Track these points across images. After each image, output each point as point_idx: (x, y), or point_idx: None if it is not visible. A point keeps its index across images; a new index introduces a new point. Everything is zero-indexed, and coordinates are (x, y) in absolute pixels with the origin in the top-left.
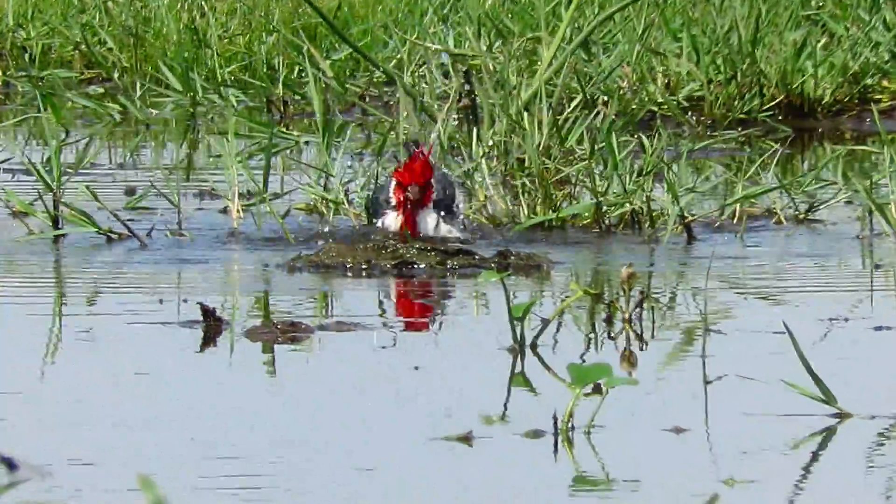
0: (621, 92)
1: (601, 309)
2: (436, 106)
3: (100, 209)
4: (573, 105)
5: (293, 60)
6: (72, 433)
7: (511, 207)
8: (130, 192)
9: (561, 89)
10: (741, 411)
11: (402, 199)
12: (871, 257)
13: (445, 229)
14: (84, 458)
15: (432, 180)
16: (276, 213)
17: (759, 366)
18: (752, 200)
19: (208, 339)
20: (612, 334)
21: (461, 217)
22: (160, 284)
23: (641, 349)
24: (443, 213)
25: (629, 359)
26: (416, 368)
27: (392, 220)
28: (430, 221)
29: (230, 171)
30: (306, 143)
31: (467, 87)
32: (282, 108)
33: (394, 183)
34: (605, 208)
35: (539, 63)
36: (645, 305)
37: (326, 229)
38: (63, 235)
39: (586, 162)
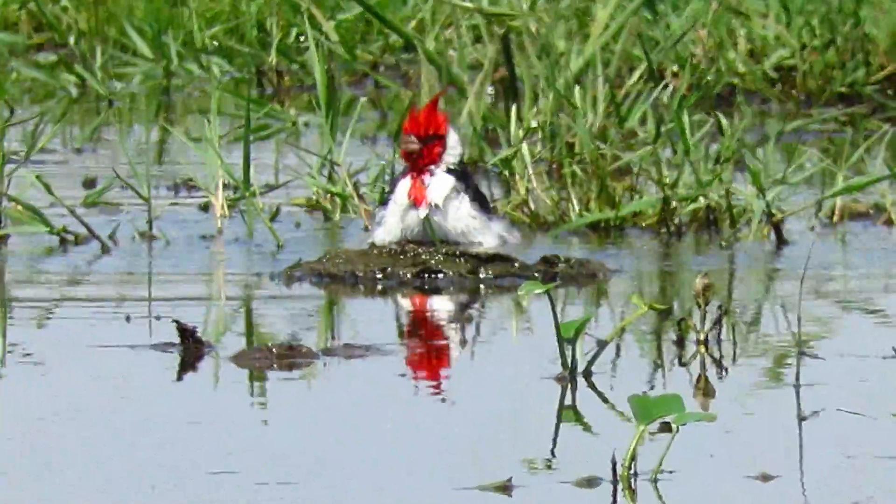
0: (694, 61)
1: (670, 328)
2: (466, 78)
3: (53, 204)
4: (635, 77)
5: (289, 22)
6: (13, 481)
7: (559, 203)
8: (90, 183)
9: (620, 57)
10: (843, 453)
11: (403, 154)
12: None
13: (476, 218)
14: None
15: (446, 135)
16: (262, 212)
17: (865, 397)
18: (856, 194)
19: (187, 365)
20: (684, 359)
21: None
22: (127, 298)
23: (720, 377)
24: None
25: (705, 389)
26: (443, 401)
27: (398, 198)
28: (441, 189)
29: (212, 158)
30: (306, 123)
31: (505, 54)
32: (275, 80)
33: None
34: (674, 204)
35: (592, 25)
36: (724, 324)
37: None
38: (6, 237)
39: (651, 147)
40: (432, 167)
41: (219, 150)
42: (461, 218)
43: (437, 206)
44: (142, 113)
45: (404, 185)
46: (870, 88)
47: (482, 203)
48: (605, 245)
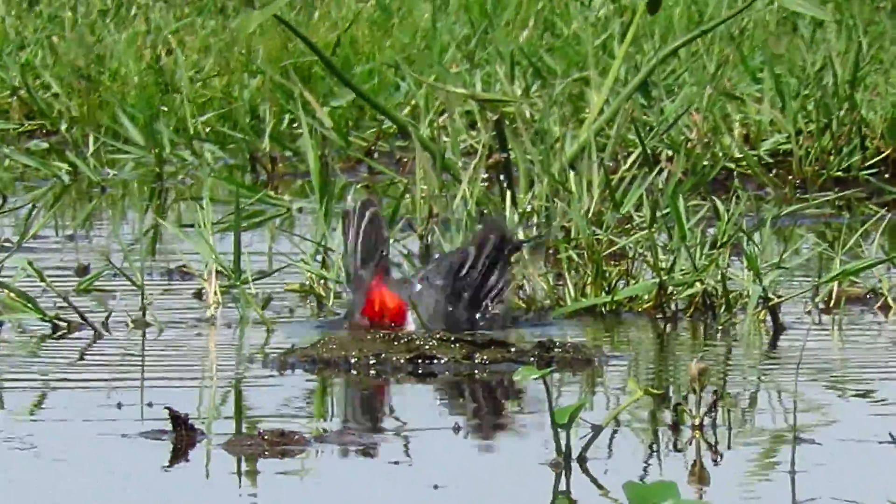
0: (689, 145)
1: (665, 413)
2: (460, 163)
3: (45, 292)
4: (630, 162)
5: (283, 108)
6: None
7: (554, 288)
8: (83, 270)
9: (615, 142)
10: None
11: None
12: None
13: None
14: None
15: (407, 309)
16: (255, 300)
17: (861, 483)
18: (853, 279)
19: (179, 453)
20: (680, 445)
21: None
22: (119, 385)
23: (715, 463)
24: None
25: (700, 475)
26: (436, 488)
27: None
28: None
29: (205, 245)
30: (300, 209)
31: (499, 139)
32: (269, 166)
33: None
34: (670, 289)
35: (587, 110)
36: (720, 408)
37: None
38: None
39: (646, 232)
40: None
41: (211, 238)
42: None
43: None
44: (134, 200)
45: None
46: (866, 172)
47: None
48: (600, 330)
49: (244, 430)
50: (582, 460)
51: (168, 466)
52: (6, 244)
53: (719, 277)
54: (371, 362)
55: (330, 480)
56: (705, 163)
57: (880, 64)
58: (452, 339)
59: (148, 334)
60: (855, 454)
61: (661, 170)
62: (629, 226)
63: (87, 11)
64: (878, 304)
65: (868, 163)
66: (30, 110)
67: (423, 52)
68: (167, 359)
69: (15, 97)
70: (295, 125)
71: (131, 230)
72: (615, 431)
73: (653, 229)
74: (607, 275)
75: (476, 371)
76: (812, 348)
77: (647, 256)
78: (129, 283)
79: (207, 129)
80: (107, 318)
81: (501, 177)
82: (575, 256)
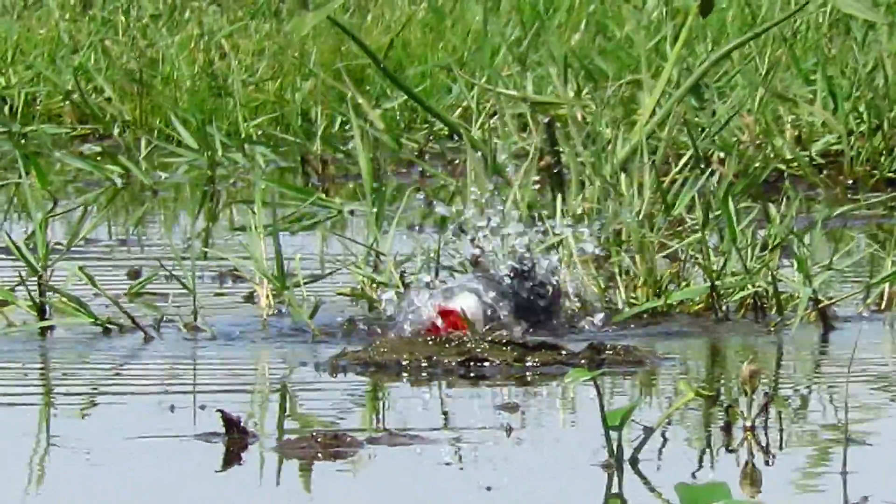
0: (741, 147)
1: (717, 415)
2: (511, 165)
3: (96, 295)
4: (681, 163)
5: (334, 110)
6: None
7: (605, 291)
8: (134, 274)
9: (666, 144)
10: None
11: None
12: None
13: None
14: None
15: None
16: (301, 305)
17: None
18: None
19: (232, 456)
20: (732, 446)
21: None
22: (171, 388)
23: (767, 464)
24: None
25: (752, 477)
26: (489, 489)
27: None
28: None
29: (257, 248)
30: (351, 212)
31: (550, 142)
32: (320, 168)
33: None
34: (721, 291)
35: (639, 112)
36: (771, 410)
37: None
38: (50, 328)
39: (698, 234)
40: None
41: (262, 242)
42: None
43: None
44: (186, 203)
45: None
46: None
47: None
48: (652, 332)
49: (297, 434)
50: (634, 462)
51: (220, 470)
52: (57, 248)
53: (770, 279)
54: (422, 365)
55: (382, 482)
56: (757, 164)
57: None
58: (504, 341)
59: (199, 338)
60: None
61: (713, 172)
62: (681, 228)
63: (140, 15)
64: None
65: None
66: (83, 114)
67: (474, 55)
68: (219, 362)
69: (68, 101)
70: (347, 128)
71: (183, 234)
72: (666, 433)
73: (704, 231)
74: (659, 278)
75: (527, 373)
76: (863, 349)
77: (698, 259)
78: (180, 286)
79: (259, 133)
80: (158, 321)
81: (552, 180)
82: (627, 259)
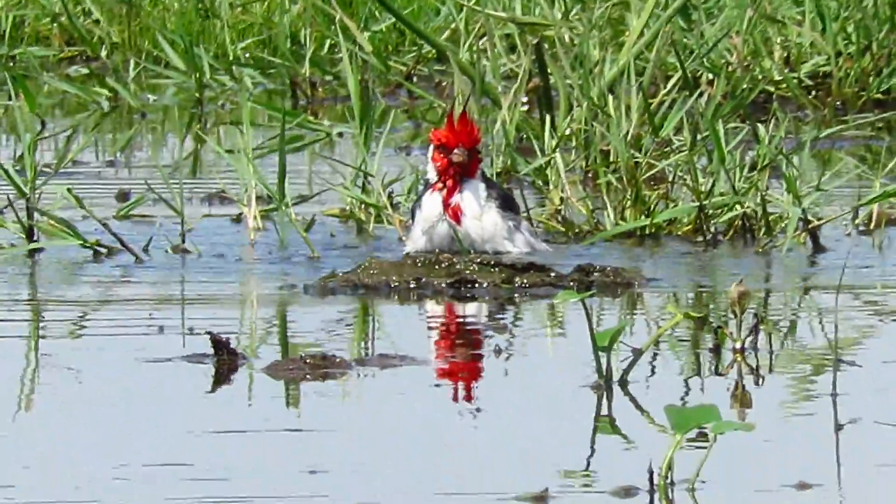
0: (729, 68)
1: (706, 336)
2: (500, 87)
3: (85, 218)
4: (670, 85)
5: (323, 33)
6: (48, 484)
7: (593, 212)
8: (123, 196)
9: (654, 66)
10: (879, 462)
11: (445, 166)
12: None
13: (502, 226)
14: None
15: (479, 148)
16: (297, 223)
17: None
18: (893, 201)
19: (221, 377)
20: (721, 368)
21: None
22: (160, 310)
23: (757, 386)
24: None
25: (742, 398)
26: (478, 411)
27: (426, 215)
28: (477, 197)
29: (245, 169)
30: (339, 134)
31: (538, 64)
32: (309, 91)
33: (432, 148)
34: (709, 212)
35: (627, 34)
36: (761, 332)
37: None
38: (39, 250)
39: (686, 154)
40: (467, 179)
41: (252, 162)
42: (486, 227)
43: (475, 218)
44: (174, 125)
45: (431, 200)
46: None
47: (511, 208)
48: (640, 253)
49: (286, 355)
50: (623, 383)
51: (210, 391)
52: (46, 171)
53: (759, 200)
54: (412, 286)
55: (371, 403)
56: (745, 86)
57: None
58: (492, 263)
59: (188, 260)
60: (895, 377)
61: (701, 93)
62: (669, 149)
63: None
64: None
65: None
66: (70, 37)
67: None
68: (207, 284)
69: (55, 23)
70: (335, 50)
71: (171, 156)
72: (656, 355)
73: (692, 153)
74: (647, 198)
75: (516, 295)
76: (852, 270)
77: (686, 180)
78: (168, 208)
79: (247, 55)
80: (147, 244)
81: (541, 101)
82: (614, 180)
